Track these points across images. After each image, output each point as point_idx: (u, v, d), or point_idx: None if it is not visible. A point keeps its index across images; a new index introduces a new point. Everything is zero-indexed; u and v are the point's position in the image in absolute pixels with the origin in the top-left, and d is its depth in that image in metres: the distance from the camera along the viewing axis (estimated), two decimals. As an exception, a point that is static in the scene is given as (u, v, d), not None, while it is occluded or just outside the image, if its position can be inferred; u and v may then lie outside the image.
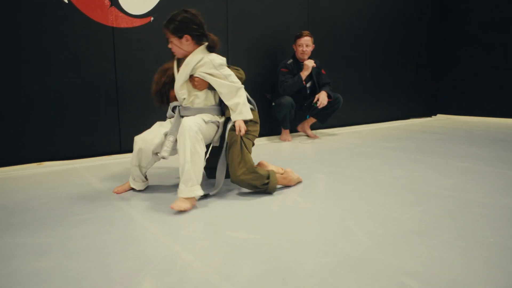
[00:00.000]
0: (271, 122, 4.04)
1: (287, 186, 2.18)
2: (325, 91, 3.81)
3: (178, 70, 2.10)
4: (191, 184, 1.83)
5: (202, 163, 1.89)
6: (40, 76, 2.83)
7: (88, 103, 3.04)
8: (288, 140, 3.85)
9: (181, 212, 1.78)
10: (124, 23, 3.13)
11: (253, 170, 2.00)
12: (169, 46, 2.06)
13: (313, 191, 2.11)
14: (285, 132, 3.88)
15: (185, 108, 2.08)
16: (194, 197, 1.85)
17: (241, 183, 2.01)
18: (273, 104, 3.87)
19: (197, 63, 2.02)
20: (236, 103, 2.05)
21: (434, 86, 5.91)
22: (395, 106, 5.49)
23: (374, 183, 2.23)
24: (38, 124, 2.85)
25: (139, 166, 2.06)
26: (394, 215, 1.71)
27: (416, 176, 2.38)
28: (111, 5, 3.05)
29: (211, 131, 2.08)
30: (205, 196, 2.00)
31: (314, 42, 3.90)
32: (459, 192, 2.04)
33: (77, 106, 2.99)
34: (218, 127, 2.12)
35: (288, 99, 3.72)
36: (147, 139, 2.01)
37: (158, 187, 2.21)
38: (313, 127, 4.21)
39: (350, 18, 4.74)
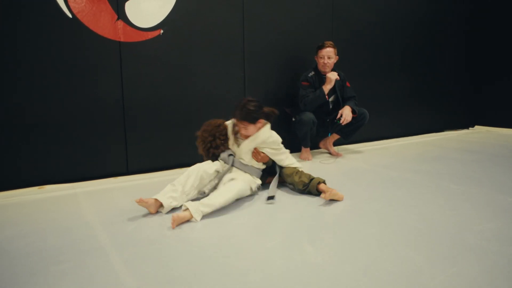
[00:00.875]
0: (291, 139, 3.76)
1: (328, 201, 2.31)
2: (349, 106, 3.50)
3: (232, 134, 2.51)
4: (202, 207, 2.04)
5: (220, 205, 2.12)
6: (41, 94, 2.69)
7: (92, 122, 2.88)
8: (309, 159, 3.57)
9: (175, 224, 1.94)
10: (132, 37, 2.95)
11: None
12: (241, 131, 2.45)
13: (326, 236, 1.83)
14: (305, 151, 3.60)
15: (240, 162, 2.47)
16: (191, 215, 2.01)
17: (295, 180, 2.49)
18: (293, 119, 3.60)
19: (265, 139, 2.47)
20: (290, 163, 2.60)
21: (472, 94, 5.44)
22: (428, 117, 5.07)
23: (399, 226, 1.93)
24: (39, 145, 2.71)
25: (183, 186, 2.20)
26: (421, 280, 1.42)
27: (450, 217, 2.05)
28: (118, 19, 2.88)
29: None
30: (272, 198, 2.34)
31: (339, 52, 3.59)
32: (504, 245, 1.70)
33: (81, 126, 2.84)
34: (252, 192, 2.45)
35: (309, 116, 3.43)
36: (202, 166, 2.32)
37: (164, 234, 1.99)
38: (336, 143, 3.91)
39: (377, 23, 4.38)
